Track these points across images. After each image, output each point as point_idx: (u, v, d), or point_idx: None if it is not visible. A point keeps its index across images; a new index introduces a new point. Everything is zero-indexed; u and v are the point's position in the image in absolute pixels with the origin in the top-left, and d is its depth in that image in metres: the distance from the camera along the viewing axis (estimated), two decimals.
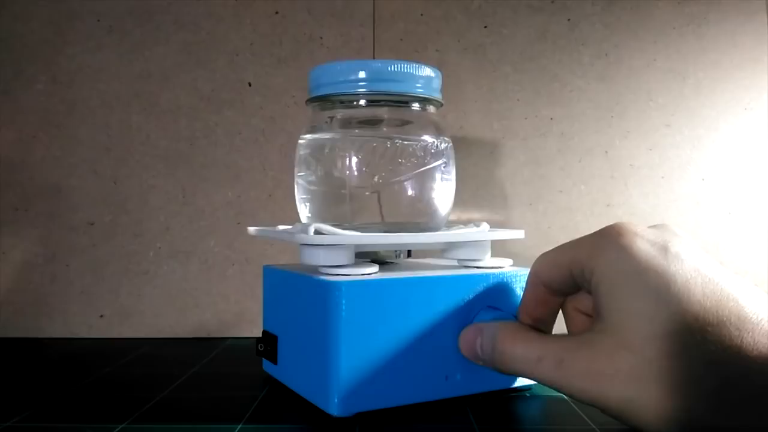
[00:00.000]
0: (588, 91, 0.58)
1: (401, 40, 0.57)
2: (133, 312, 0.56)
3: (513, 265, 0.39)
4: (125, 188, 0.56)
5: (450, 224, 0.42)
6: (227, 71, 0.56)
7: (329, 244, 0.35)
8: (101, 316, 0.56)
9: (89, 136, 0.56)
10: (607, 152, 0.58)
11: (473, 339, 0.34)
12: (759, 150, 0.58)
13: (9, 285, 0.55)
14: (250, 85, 0.56)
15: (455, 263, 0.40)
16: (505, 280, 0.37)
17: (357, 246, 0.36)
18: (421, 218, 0.39)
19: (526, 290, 0.34)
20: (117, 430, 0.32)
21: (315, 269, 0.36)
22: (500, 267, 0.38)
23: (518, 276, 0.37)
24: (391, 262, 0.42)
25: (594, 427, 0.32)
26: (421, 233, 0.38)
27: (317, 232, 0.35)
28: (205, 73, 0.56)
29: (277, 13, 0.57)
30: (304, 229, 0.35)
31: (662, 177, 0.58)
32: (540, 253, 0.33)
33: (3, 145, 0.56)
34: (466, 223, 0.42)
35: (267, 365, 0.41)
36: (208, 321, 0.56)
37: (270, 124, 0.56)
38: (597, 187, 0.58)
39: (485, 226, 0.40)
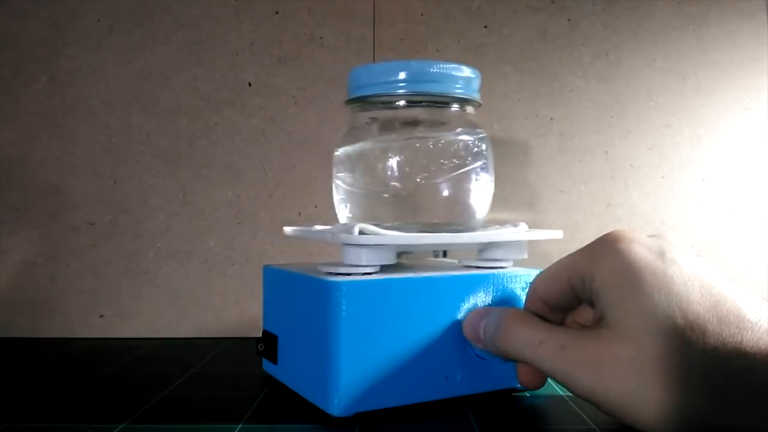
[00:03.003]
0: (588, 91, 0.58)
1: (401, 40, 0.57)
2: (133, 312, 0.56)
3: (513, 266, 0.39)
4: (125, 188, 0.56)
5: (485, 224, 0.42)
6: (227, 71, 0.56)
7: (374, 244, 0.34)
8: (101, 316, 0.56)
9: (89, 136, 0.56)
10: (607, 152, 0.58)
11: (478, 321, 0.34)
12: (759, 150, 0.58)
13: (9, 285, 0.55)
14: (250, 85, 0.56)
15: (456, 263, 0.40)
16: (505, 280, 0.37)
17: (398, 246, 0.36)
18: (461, 218, 0.40)
19: (525, 308, 0.34)
20: (117, 430, 0.32)
21: (315, 269, 0.36)
22: (500, 267, 0.38)
23: (518, 276, 0.37)
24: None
25: (594, 427, 0.32)
26: (463, 233, 0.38)
27: (362, 233, 0.34)
28: (205, 73, 0.56)
29: (277, 13, 0.57)
30: (348, 229, 0.35)
31: (662, 177, 0.58)
32: (538, 252, 0.33)
33: (3, 145, 0.56)
34: (502, 223, 0.42)
35: (267, 365, 0.41)
36: (208, 321, 0.56)
37: (270, 124, 0.56)
38: (597, 187, 0.58)
39: (523, 226, 0.40)
